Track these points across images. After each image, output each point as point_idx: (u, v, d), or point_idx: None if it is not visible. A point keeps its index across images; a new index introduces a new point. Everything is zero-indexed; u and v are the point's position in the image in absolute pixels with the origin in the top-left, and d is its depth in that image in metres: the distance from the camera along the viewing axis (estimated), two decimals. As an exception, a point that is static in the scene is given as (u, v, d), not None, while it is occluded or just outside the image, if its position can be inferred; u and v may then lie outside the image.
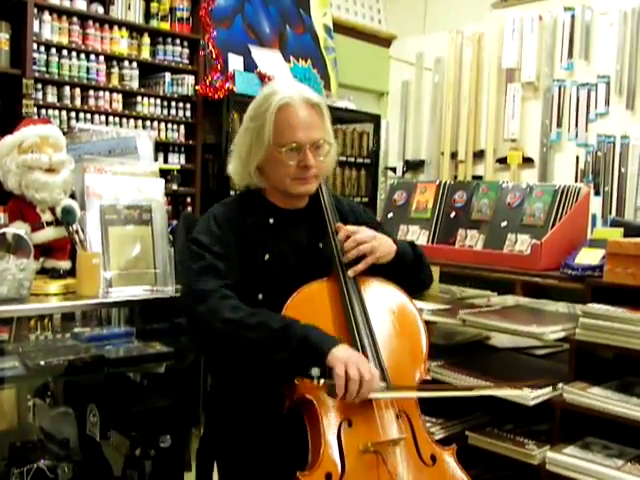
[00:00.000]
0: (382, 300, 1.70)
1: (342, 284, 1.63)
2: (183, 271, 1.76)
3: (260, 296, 1.64)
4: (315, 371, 1.45)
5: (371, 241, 1.66)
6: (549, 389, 1.97)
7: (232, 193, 3.71)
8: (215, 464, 1.77)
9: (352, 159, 5.18)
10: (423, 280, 1.88)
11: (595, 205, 4.44)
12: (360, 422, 1.51)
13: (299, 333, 1.47)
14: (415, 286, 1.84)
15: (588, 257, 2.03)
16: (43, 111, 3.74)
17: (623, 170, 4.51)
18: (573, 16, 4.72)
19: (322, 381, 1.45)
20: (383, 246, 1.69)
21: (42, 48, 3.74)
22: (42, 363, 2.07)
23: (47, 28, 3.77)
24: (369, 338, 1.58)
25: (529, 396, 1.94)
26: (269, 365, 1.51)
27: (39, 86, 3.73)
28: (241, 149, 1.70)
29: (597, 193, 4.55)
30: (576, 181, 4.64)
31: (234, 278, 1.61)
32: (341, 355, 1.45)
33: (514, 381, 2.00)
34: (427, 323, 1.78)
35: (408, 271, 1.78)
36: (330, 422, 1.50)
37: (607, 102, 4.60)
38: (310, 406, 1.51)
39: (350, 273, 1.64)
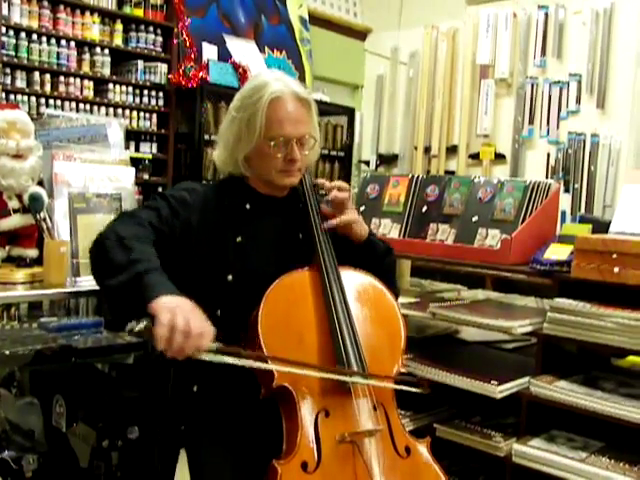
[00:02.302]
0: (363, 292, 1.70)
1: (324, 274, 1.63)
2: None
3: (230, 277, 1.64)
4: (132, 325, 1.37)
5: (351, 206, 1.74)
6: (517, 382, 2.00)
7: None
8: (185, 454, 1.75)
9: (326, 152, 5.18)
10: (392, 289, 1.81)
11: (565, 202, 4.50)
12: (337, 412, 1.52)
13: (136, 271, 1.41)
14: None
15: (557, 252, 2.05)
16: (12, 96, 3.67)
17: (592, 168, 4.58)
18: (547, 14, 4.77)
19: (142, 324, 1.34)
20: (361, 221, 1.75)
21: (11, 32, 3.67)
22: (8, 353, 2.03)
23: (16, 11, 3.70)
24: (349, 328, 1.58)
25: (496, 390, 1.96)
26: (103, 290, 1.51)
27: (7, 70, 3.66)
28: (228, 138, 1.71)
29: (567, 190, 4.61)
30: (547, 177, 4.69)
31: (169, 229, 1.61)
32: (169, 304, 1.34)
33: (482, 374, 2.04)
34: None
35: (378, 265, 1.78)
36: (308, 411, 1.50)
37: (578, 100, 4.66)
38: (288, 395, 1.51)
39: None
